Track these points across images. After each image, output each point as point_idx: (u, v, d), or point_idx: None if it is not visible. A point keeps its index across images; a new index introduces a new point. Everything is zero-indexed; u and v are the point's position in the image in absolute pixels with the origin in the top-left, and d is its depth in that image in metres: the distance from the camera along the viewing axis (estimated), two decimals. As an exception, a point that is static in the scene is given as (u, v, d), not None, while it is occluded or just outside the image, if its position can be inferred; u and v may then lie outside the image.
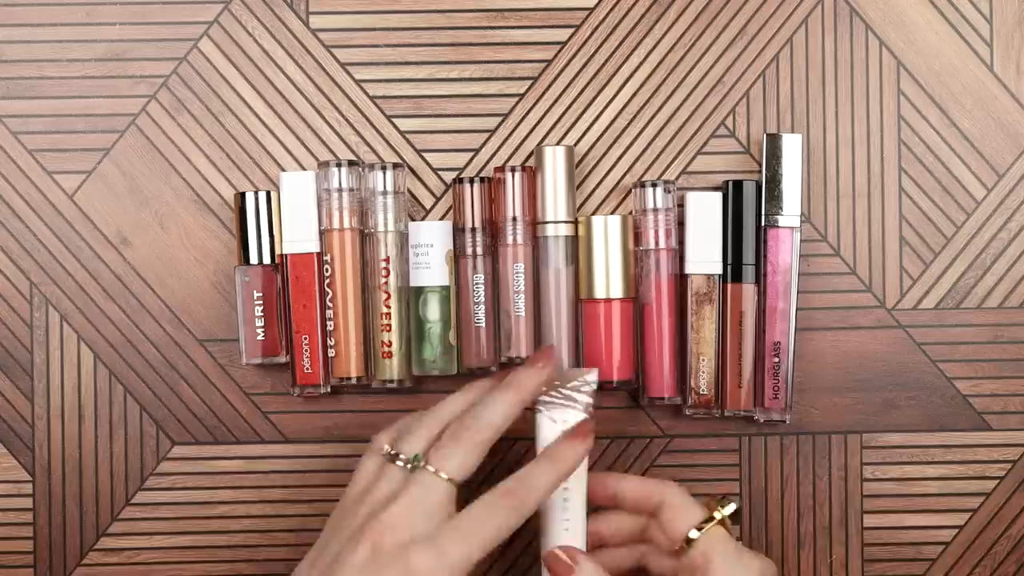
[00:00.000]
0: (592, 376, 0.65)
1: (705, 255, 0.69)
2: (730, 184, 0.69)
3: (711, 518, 0.64)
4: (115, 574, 0.72)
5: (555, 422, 0.64)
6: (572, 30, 0.72)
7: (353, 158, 0.71)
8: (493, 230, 0.70)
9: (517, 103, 0.72)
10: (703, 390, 0.69)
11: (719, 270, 0.69)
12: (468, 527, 0.59)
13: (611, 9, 0.72)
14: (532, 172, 0.70)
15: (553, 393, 0.64)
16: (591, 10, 0.72)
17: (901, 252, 0.72)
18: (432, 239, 0.70)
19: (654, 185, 0.69)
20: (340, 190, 0.69)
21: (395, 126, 0.72)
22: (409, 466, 0.61)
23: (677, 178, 0.72)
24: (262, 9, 0.71)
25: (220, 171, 0.72)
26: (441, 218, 0.72)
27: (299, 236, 0.69)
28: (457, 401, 0.64)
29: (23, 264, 0.71)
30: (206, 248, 0.71)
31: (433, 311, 0.70)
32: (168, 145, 0.72)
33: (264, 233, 0.69)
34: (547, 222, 0.69)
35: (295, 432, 0.72)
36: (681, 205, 0.70)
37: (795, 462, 0.72)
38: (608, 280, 0.69)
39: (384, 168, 0.69)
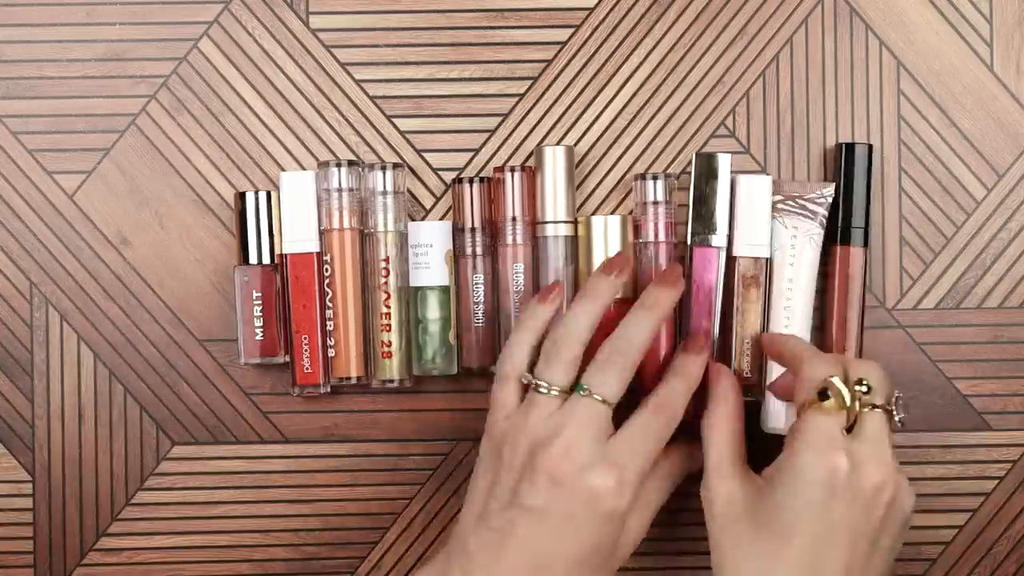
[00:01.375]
0: (829, 190, 0.68)
1: (752, 238, 0.69)
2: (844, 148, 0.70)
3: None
4: (115, 574, 0.72)
5: (787, 228, 0.68)
6: (572, 30, 0.72)
7: (353, 158, 0.71)
8: (493, 230, 0.70)
9: (517, 103, 0.72)
10: (747, 373, 0.69)
11: (767, 253, 0.69)
12: (634, 444, 0.62)
13: (611, 9, 0.72)
14: (532, 172, 0.70)
15: (790, 202, 0.67)
16: (591, 10, 0.72)
17: (901, 252, 0.72)
18: (432, 239, 0.70)
19: (654, 178, 0.69)
20: (340, 190, 0.69)
21: (395, 126, 0.72)
22: (558, 392, 0.63)
23: (678, 178, 0.72)
24: (262, 9, 0.71)
25: (220, 171, 0.72)
26: (441, 218, 0.72)
27: (299, 236, 0.69)
28: (581, 319, 0.64)
29: (23, 264, 0.72)
30: (206, 248, 0.71)
31: (433, 311, 0.70)
32: (168, 145, 0.72)
33: (264, 233, 0.69)
34: (547, 222, 0.69)
35: (295, 432, 0.72)
36: (682, 199, 0.70)
37: (795, 462, 0.72)
38: None
39: (384, 168, 0.69)
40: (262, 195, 0.69)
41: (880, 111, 0.72)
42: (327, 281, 0.69)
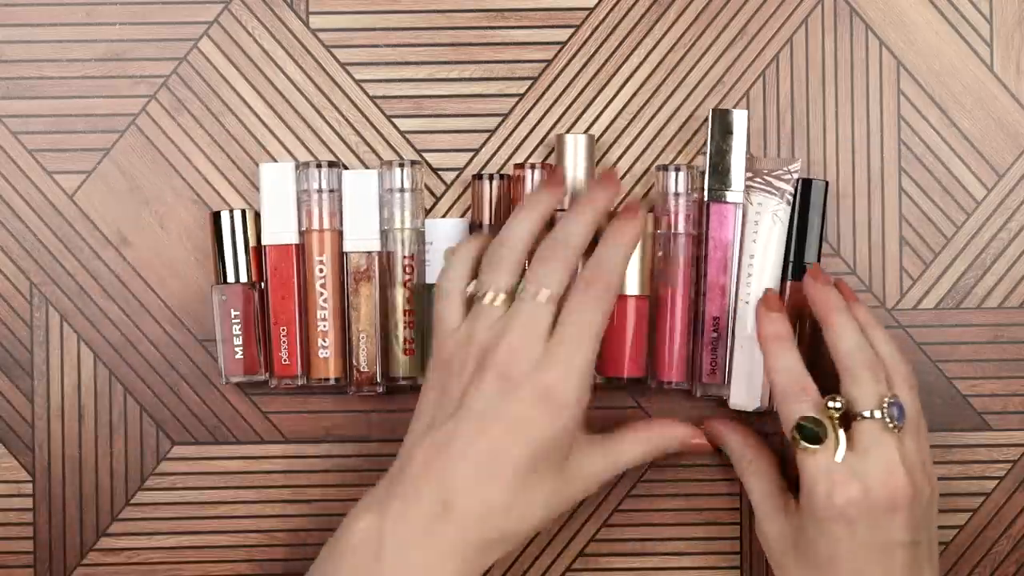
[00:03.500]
0: (796, 166, 0.68)
1: (362, 232, 0.69)
2: (799, 183, 0.69)
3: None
4: (115, 574, 0.72)
5: (752, 204, 0.68)
6: (572, 30, 0.72)
7: (333, 159, 0.71)
8: None
9: (517, 103, 0.72)
10: (363, 367, 0.69)
11: (376, 247, 0.69)
12: (576, 329, 0.62)
13: (611, 9, 0.72)
14: (551, 169, 0.70)
15: (757, 180, 0.67)
16: (591, 10, 0.72)
17: (901, 252, 0.72)
18: (448, 237, 0.69)
19: (676, 169, 0.69)
20: (320, 191, 0.69)
21: (395, 126, 0.72)
22: (503, 297, 0.63)
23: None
24: (262, 9, 0.71)
25: (220, 171, 0.72)
26: (443, 216, 0.71)
27: (278, 227, 0.69)
28: (521, 227, 0.64)
29: (23, 264, 0.72)
30: (206, 248, 0.71)
31: None
32: (168, 145, 0.72)
33: (240, 252, 0.69)
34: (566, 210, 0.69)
35: (295, 432, 0.72)
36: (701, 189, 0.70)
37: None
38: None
39: (401, 165, 0.69)
40: (237, 213, 0.69)
41: (880, 111, 0.72)
42: (321, 282, 0.69)
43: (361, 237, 0.69)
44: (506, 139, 0.72)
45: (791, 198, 0.69)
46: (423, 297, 0.69)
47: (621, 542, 0.72)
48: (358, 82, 0.72)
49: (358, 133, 0.72)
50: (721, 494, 0.72)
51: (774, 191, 0.69)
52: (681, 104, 0.72)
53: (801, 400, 0.63)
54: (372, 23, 0.72)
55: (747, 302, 0.69)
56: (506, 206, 0.69)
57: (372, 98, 0.72)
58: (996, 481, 0.72)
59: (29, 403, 0.71)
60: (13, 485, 0.72)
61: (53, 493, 0.72)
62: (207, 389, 0.72)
